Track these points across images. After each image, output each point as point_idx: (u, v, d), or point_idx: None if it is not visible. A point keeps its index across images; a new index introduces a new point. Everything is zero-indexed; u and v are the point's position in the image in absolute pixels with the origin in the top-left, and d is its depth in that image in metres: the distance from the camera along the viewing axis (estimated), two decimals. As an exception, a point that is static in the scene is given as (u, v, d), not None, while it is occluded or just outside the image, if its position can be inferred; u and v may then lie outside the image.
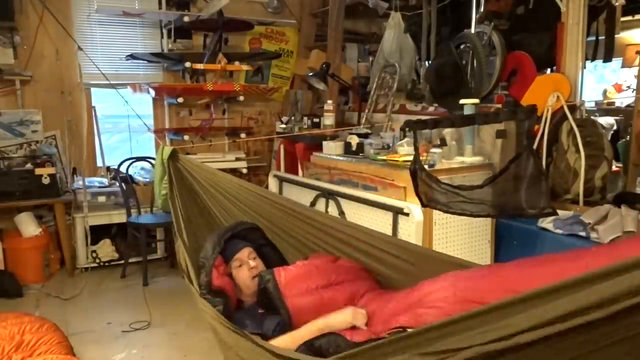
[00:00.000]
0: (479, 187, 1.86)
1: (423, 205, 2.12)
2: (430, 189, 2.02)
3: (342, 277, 1.90)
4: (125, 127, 4.71)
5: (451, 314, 1.25)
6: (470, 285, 1.47)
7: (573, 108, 2.83)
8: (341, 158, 3.31)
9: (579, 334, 0.91)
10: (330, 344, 1.53)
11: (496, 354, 0.96)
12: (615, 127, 4.16)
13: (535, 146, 2.84)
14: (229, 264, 2.00)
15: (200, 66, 4.25)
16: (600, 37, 3.18)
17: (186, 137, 4.47)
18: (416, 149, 2.09)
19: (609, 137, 3.36)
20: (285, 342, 1.63)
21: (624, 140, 3.74)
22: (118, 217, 4.28)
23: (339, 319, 1.65)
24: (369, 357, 1.21)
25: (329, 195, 3.23)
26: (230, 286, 1.94)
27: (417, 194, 2.09)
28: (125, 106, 3.35)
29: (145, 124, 3.31)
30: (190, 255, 1.99)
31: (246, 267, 1.99)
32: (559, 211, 2.68)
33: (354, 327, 1.63)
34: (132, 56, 4.39)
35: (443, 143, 2.90)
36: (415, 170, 2.06)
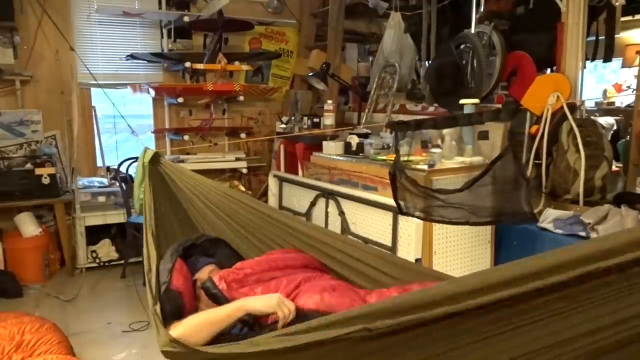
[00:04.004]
0: (458, 190, 1.83)
1: (401, 213, 2.06)
2: (409, 194, 1.98)
3: (289, 264, 1.85)
4: (125, 127, 4.70)
5: None
6: None
7: (573, 108, 2.82)
8: (341, 158, 3.31)
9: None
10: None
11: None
12: (615, 127, 4.17)
13: (535, 146, 2.84)
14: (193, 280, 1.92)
15: (200, 66, 4.25)
16: (600, 37, 3.18)
17: (186, 137, 4.48)
18: (397, 151, 2.05)
19: (609, 137, 3.37)
20: (199, 318, 1.53)
21: (624, 140, 3.74)
22: (118, 217, 4.27)
23: (261, 302, 1.55)
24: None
25: (329, 195, 3.23)
26: (190, 293, 1.83)
27: (395, 200, 2.03)
28: (116, 107, 3.33)
29: (129, 126, 3.27)
30: (153, 266, 1.89)
31: None
32: (559, 211, 2.69)
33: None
34: (132, 56, 4.39)
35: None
36: (395, 173, 1.99)
